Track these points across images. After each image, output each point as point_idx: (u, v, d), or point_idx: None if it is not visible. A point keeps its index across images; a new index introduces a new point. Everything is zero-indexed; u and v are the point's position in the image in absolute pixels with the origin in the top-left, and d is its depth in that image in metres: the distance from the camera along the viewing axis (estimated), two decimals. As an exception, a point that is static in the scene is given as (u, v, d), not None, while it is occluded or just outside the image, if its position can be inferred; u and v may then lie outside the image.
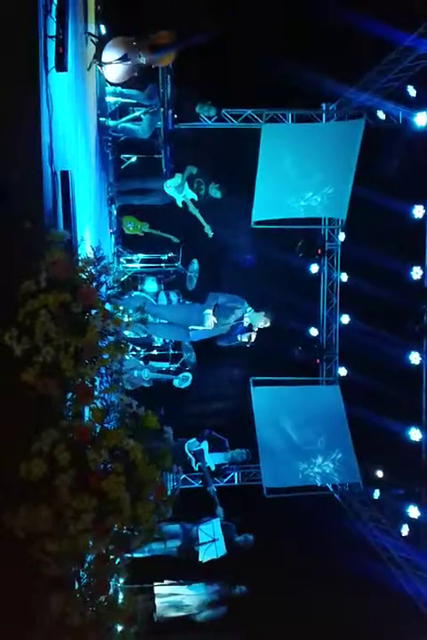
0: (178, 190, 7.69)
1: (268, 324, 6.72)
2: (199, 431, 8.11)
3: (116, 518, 2.95)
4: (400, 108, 8.41)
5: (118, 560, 3.17)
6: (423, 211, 8.38)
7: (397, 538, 8.42)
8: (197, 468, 7.87)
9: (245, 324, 6.77)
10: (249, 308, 6.76)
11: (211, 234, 7.79)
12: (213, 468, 7.94)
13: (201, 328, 6.68)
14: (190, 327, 6.75)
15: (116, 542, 3.06)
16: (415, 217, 8.47)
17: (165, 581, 6.67)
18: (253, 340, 6.76)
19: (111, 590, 3.18)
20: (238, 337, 6.78)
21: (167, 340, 8.32)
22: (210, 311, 6.64)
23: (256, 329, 6.75)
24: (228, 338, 6.86)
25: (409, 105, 8.21)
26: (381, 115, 8.67)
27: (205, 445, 7.89)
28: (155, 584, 6.53)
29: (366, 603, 7.17)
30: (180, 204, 7.82)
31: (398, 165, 8.39)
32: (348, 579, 7.37)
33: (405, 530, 8.38)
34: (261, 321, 6.72)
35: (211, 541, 6.62)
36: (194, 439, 7.90)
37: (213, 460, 8.00)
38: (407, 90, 8.09)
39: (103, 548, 3.04)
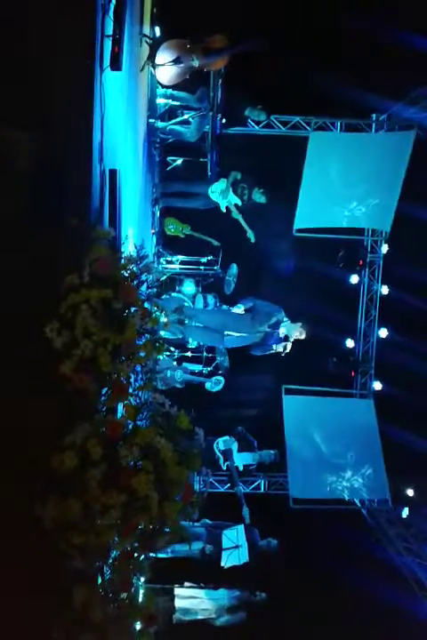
0: (222, 195, 7.69)
1: (303, 336, 6.67)
2: (231, 430, 8.12)
3: (143, 516, 2.97)
4: (450, 123, 8.26)
5: (142, 558, 3.19)
6: (469, 227, 8.20)
7: (423, 559, 8.26)
8: (225, 468, 7.86)
9: (281, 334, 6.73)
10: (286, 319, 6.73)
11: (254, 239, 7.77)
12: (241, 468, 7.93)
13: (236, 334, 6.68)
14: (226, 332, 6.75)
15: (142, 540, 3.08)
16: (461, 234, 8.30)
17: (186, 584, 6.68)
18: (287, 350, 6.72)
19: (133, 588, 3.20)
20: (273, 346, 6.75)
21: (201, 343, 8.33)
22: (242, 307, 6.65)
23: (292, 340, 6.71)
24: (262, 347, 6.84)
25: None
26: (428, 129, 8.53)
27: (233, 445, 7.88)
28: (175, 585, 6.54)
29: (389, 624, 7.04)
30: (223, 209, 7.83)
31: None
32: (370, 597, 7.25)
33: (432, 551, 8.21)
34: (297, 332, 6.67)
35: (234, 547, 6.59)
36: (224, 437, 7.90)
37: (241, 459, 7.99)
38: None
39: (128, 545, 3.07)
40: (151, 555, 3.28)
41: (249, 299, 6.93)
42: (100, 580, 3.08)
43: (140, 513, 2.97)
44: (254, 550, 6.89)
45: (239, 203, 7.74)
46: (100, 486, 2.86)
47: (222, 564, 6.59)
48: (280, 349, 6.70)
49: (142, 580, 3.63)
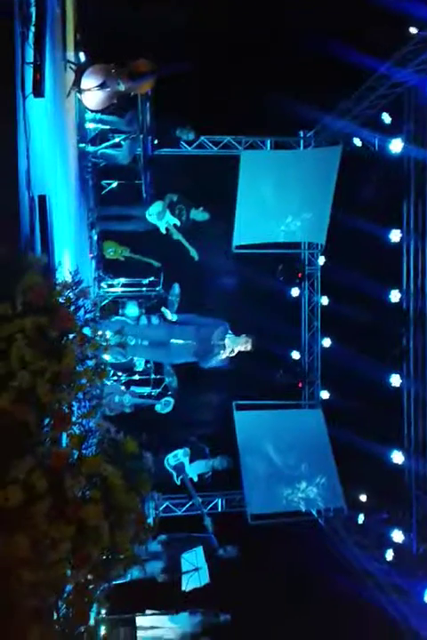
0: (159, 217, 7.73)
1: (249, 348, 6.71)
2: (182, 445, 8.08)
3: (94, 547, 2.89)
4: (376, 135, 8.58)
5: (98, 590, 3.10)
6: (400, 235, 8.51)
7: (381, 562, 8.38)
8: (179, 482, 7.79)
9: (227, 348, 6.76)
10: (230, 332, 6.77)
11: (197, 257, 7.81)
12: (195, 480, 7.88)
13: (182, 342, 6.66)
14: (172, 340, 6.72)
15: (96, 571, 3.00)
16: (392, 241, 8.59)
17: (147, 611, 6.54)
18: (234, 353, 6.75)
19: (92, 621, 3.11)
20: (220, 354, 6.74)
21: (149, 364, 8.27)
22: (171, 313, 6.80)
23: (235, 351, 6.75)
24: (207, 359, 6.82)
25: (384, 132, 8.38)
26: (357, 141, 8.83)
27: (184, 458, 7.83)
28: (137, 614, 6.39)
29: (352, 627, 7.09)
30: (163, 231, 7.85)
31: (374, 191, 8.53)
32: (333, 603, 7.30)
33: (389, 554, 8.34)
34: (243, 345, 6.71)
35: (194, 570, 6.52)
36: (173, 452, 7.84)
37: (195, 470, 7.94)
38: (382, 117, 8.26)
39: (82, 578, 2.98)
40: (107, 585, 3.20)
41: (192, 316, 6.94)
42: (55, 616, 2.98)
43: (92, 543, 2.89)
44: (213, 558, 6.84)
45: (178, 223, 7.79)
46: (47, 520, 2.77)
47: (183, 588, 6.51)
48: (228, 353, 6.74)
49: (102, 611, 3.54)
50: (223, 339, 6.68)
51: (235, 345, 6.68)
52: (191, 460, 7.92)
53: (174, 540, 7.07)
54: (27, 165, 3.26)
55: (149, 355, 7.51)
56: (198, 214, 7.85)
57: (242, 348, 6.70)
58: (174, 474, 7.75)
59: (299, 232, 9.19)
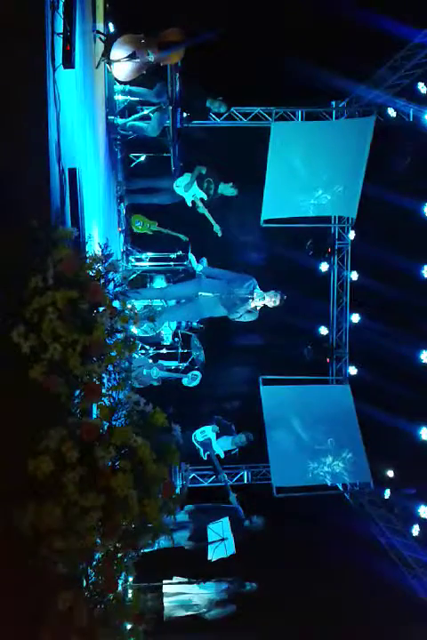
0: (186, 188, 7.67)
1: (277, 302, 6.60)
2: (208, 421, 8.13)
3: (123, 516, 2.94)
4: (411, 106, 8.35)
5: (126, 558, 3.16)
6: (434, 208, 8.32)
7: (407, 538, 8.38)
8: (205, 458, 7.85)
9: (255, 303, 6.67)
10: (257, 288, 6.69)
11: (220, 233, 7.76)
12: (222, 456, 7.93)
13: (210, 295, 6.64)
14: (200, 293, 6.70)
15: (124, 540, 3.06)
16: (426, 215, 8.41)
17: (174, 579, 6.66)
18: (260, 306, 6.69)
19: (120, 588, 3.18)
20: (249, 307, 6.68)
21: (176, 339, 8.29)
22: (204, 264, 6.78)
23: (262, 304, 6.68)
24: (236, 310, 6.74)
25: (420, 102, 8.16)
26: (391, 112, 8.61)
27: (212, 434, 7.88)
28: (163, 582, 6.51)
29: (377, 602, 7.12)
30: (189, 203, 7.80)
31: (408, 163, 8.33)
32: (358, 578, 7.34)
33: (415, 530, 8.33)
34: (271, 299, 6.58)
35: (220, 540, 6.60)
36: (201, 428, 7.89)
37: (221, 446, 7.99)
38: (418, 87, 8.03)
39: (111, 546, 3.04)
40: (135, 553, 3.26)
41: (219, 270, 6.92)
42: (85, 583, 3.05)
43: (121, 513, 2.94)
44: (239, 529, 6.91)
45: (205, 197, 7.73)
46: (78, 489, 2.82)
47: (209, 557, 6.59)
48: (252, 319, 6.70)
49: (130, 579, 3.61)
50: (252, 292, 6.62)
51: (263, 299, 6.60)
52: (218, 437, 7.96)
53: (201, 510, 7.16)
54: (57, 138, 3.26)
55: (178, 315, 7.42)
56: (227, 189, 7.77)
57: (270, 303, 6.61)
58: (201, 449, 7.80)
59: (329, 206, 9.03)
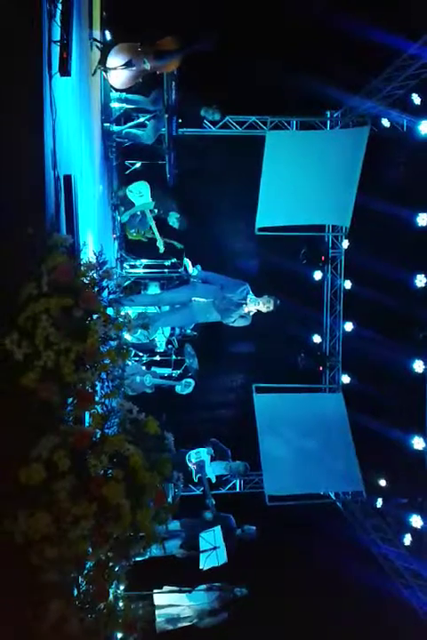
0: (140, 196, 7.54)
1: (270, 308, 6.62)
2: (203, 440, 8.08)
3: (115, 525, 2.93)
4: (405, 116, 8.42)
5: (118, 567, 3.15)
6: (427, 218, 8.37)
7: (399, 547, 8.37)
8: (196, 480, 7.83)
9: (247, 309, 6.69)
10: (251, 293, 6.71)
11: (162, 249, 7.68)
12: (213, 480, 7.90)
13: (204, 300, 6.65)
14: (194, 299, 6.71)
15: (116, 549, 3.04)
16: (419, 225, 8.46)
17: (165, 588, 6.63)
18: (250, 316, 6.71)
19: (111, 597, 3.16)
20: (239, 316, 6.68)
21: (170, 346, 8.28)
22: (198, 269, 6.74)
23: (254, 311, 6.69)
24: (229, 315, 6.74)
25: (413, 113, 8.23)
26: (385, 122, 8.67)
27: (206, 457, 7.83)
28: (154, 591, 6.48)
29: (368, 611, 7.12)
30: (138, 213, 7.68)
31: (402, 173, 8.40)
32: (350, 587, 7.33)
33: (407, 539, 8.33)
34: (264, 305, 6.61)
35: (212, 549, 6.58)
36: (196, 449, 7.84)
37: (213, 470, 7.95)
38: (412, 98, 8.10)
39: (102, 555, 3.02)
40: (127, 562, 3.24)
41: (213, 274, 6.92)
42: (76, 592, 3.03)
43: (113, 521, 2.93)
44: (231, 538, 6.89)
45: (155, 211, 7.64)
46: (70, 497, 2.81)
47: (201, 566, 6.57)
48: (246, 323, 6.70)
49: (121, 588, 3.59)
50: (245, 298, 6.64)
51: (256, 304, 6.63)
52: (212, 460, 7.92)
53: (193, 520, 7.13)
54: (53, 145, 3.26)
55: (173, 320, 7.41)
56: (174, 221, 7.70)
57: (263, 309, 6.63)
58: (193, 470, 7.76)
59: (323, 214, 9.08)
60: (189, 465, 7.75)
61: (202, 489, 7.84)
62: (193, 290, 6.86)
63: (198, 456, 7.81)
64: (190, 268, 7.20)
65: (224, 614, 6.69)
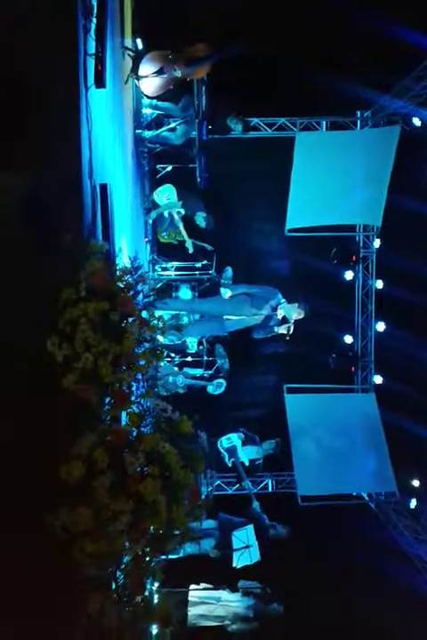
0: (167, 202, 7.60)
1: (302, 316, 6.62)
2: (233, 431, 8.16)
3: (152, 520, 3.03)
4: (436, 115, 8.34)
5: (154, 562, 3.24)
6: (460, 217, 8.28)
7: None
8: (230, 464, 7.88)
9: (279, 316, 6.71)
10: (283, 300, 6.73)
11: (191, 250, 7.75)
12: (246, 463, 7.95)
13: (235, 317, 6.69)
14: (225, 317, 6.76)
15: (152, 544, 3.14)
16: (451, 224, 8.37)
17: (201, 585, 6.69)
18: (291, 331, 6.69)
19: (147, 592, 3.26)
20: (275, 328, 6.71)
21: (201, 346, 8.37)
22: (229, 292, 6.72)
23: (292, 320, 6.70)
24: (263, 330, 6.80)
25: (445, 112, 8.14)
26: (416, 121, 8.60)
27: (237, 441, 7.90)
28: (189, 588, 6.56)
29: (403, 613, 7.08)
30: (166, 215, 7.74)
31: (433, 172, 8.32)
32: (384, 589, 7.30)
33: (442, 540, 8.25)
34: (296, 312, 6.63)
35: (245, 547, 6.63)
36: (227, 435, 7.92)
37: (246, 454, 8.01)
38: (443, 96, 8.02)
39: (139, 550, 3.12)
40: (162, 557, 3.34)
41: (242, 285, 6.95)
42: (113, 586, 3.14)
43: (150, 517, 3.02)
44: (264, 536, 6.91)
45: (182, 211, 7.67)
46: (108, 494, 2.92)
47: (234, 564, 6.62)
48: (284, 331, 6.68)
49: (156, 584, 3.69)
50: (276, 308, 6.66)
51: (288, 313, 6.63)
52: (243, 445, 8.00)
53: (226, 518, 7.18)
54: (89, 155, 3.38)
55: (203, 329, 7.50)
56: (200, 219, 7.74)
57: (295, 316, 6.64)
58: (226, 456, 7.83)
59: (354, 214, 9.05)
60: (221, 451, 7.82)
61: (235, 475, 7.90)
62: (223, 307, 6.88)
63: (230, 441, 7.87)
64: (227, 295, 7.10)
65: (255, 624, 6.64)
